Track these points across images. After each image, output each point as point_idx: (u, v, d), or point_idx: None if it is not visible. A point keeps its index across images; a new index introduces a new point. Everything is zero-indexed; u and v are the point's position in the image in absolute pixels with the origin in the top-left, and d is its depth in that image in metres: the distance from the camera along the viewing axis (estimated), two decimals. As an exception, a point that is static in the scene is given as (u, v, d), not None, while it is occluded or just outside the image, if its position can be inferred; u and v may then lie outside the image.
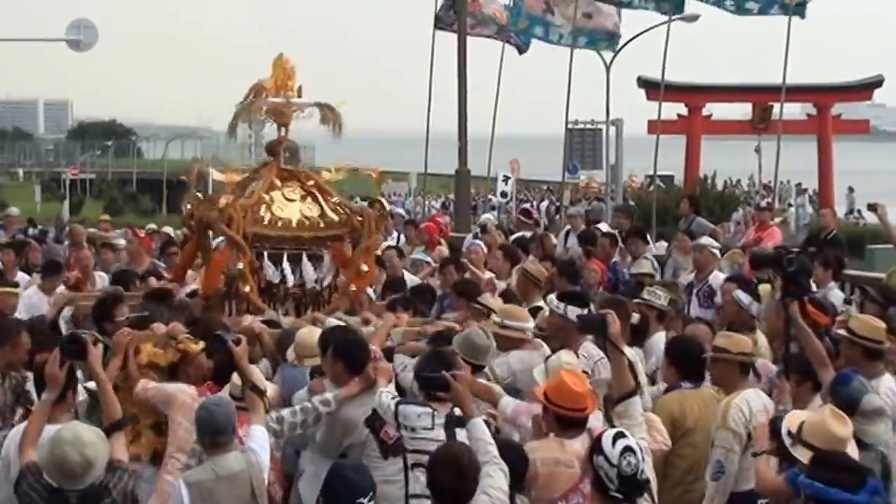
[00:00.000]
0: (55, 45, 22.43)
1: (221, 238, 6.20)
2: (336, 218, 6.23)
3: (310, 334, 5.01)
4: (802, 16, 14.80)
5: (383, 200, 6.64)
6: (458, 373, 4.10)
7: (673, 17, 15.57)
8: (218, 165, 6.76)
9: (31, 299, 7.59)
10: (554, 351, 5.05)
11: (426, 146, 18.54)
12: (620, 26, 17.59)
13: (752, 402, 4.53)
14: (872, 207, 8.71)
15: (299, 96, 6.31)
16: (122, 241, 10.00)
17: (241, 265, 5.85)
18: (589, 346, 5.07)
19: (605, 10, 17.15)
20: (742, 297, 6.09)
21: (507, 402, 4.51)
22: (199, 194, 6.32)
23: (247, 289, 5.90)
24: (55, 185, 44.09)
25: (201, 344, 4.82)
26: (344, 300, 6.20)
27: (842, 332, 5.00)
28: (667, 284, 7.25)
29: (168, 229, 11.55)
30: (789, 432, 3.64)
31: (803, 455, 3.52)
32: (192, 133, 68.87)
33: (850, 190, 28.73)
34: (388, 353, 5.04)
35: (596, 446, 3.46)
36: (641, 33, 18.54)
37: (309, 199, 6.24)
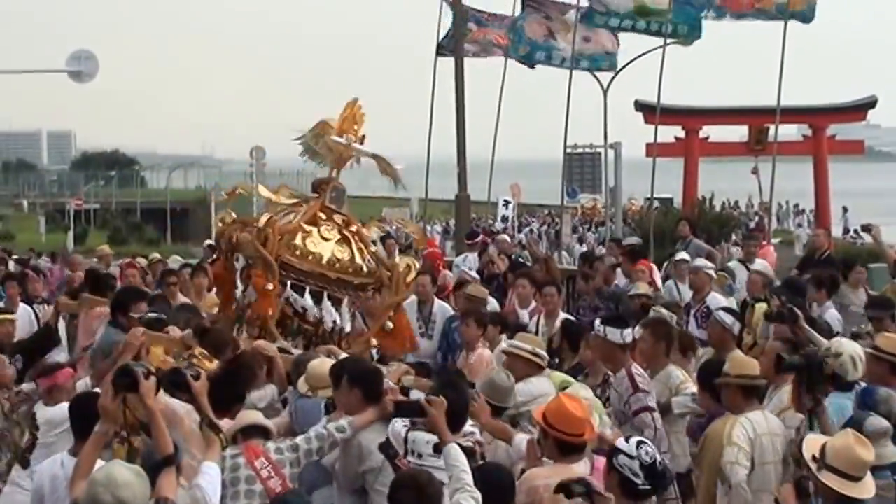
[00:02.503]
0: (58, 75, 22.70)
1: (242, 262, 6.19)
2: (365, 267, 6.16)
3: (322, 365, 4.92)
4: (808, 20, 14.66)
5: (416, 262, 6.52)
6: (435, 399, 4.13)
7: (668, 42, 15.77)
8: (267, 185, 6.72)
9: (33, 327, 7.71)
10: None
11: (427, 172, 18.71)
12: (617, 46, 17.84)
13: (756, 423, 4.56)
14: (867, 228, 8.81)
15: (361, 144, 6.27)
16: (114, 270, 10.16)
17: (270, 286, 5.79)
18: (639, 367, 5.13)
19: (604, 32, 17.41)
20: (725, 317, 6.19)
21: (521, 439, 4.50)
22: (233, 213, 6.30)
23: (269, 312, 5.84)
24: (59, 216, 44.23)
25: (215, 362, 4.79)
26: (359, 347, 6.07)
27: (868, 349, 5.07)
28: (670, 305, 7.34)
29: (176, 258, 11.63)
30: (813, 457, 3.65)
31: (830, 480, 3.54)
32: (195, 162, 69.23)
33: (844, 210, 28.90)
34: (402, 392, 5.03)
35: (612, 453, 3.56)
36: (637, 57, 18.75)
37: (343, 244, 6.17)
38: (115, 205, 49.72)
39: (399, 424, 4.27)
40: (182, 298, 8.29)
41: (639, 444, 3.53)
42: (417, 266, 6.50)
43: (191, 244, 27.92)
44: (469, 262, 11.04)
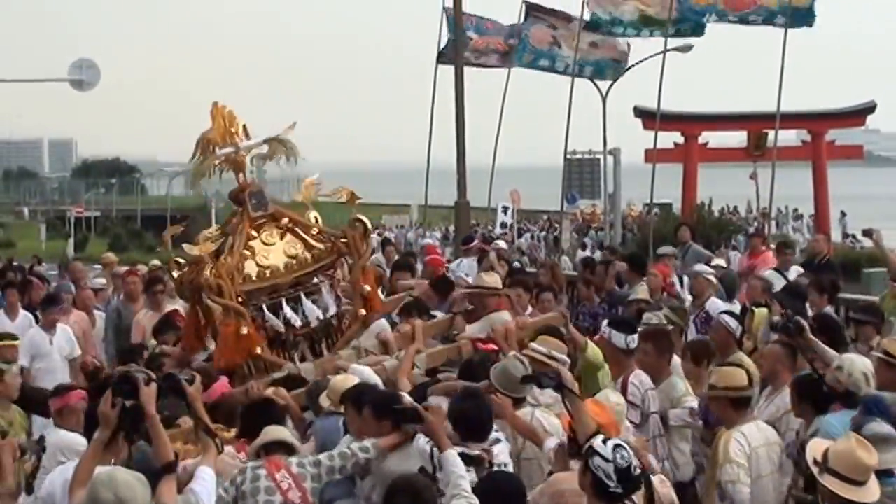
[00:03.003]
0: (59, 84, 22.75)
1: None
2: (321, 247, 6.08)
3: (344, 381, 4.88)
4: (810, 22, 14.66)
5: (363, 217, 6.30)
6: (432, 406, 4.10)
7: (669, 48, 15.86)
8: (220, 202, 6.77)
9: (33, 339, 7.67)
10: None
11: (426, 178, 18.77)
12: (628, 55, 17.88)
13: (750, 436, 4.52)
14: (868, 233, 8.72)
15: (247, 136, 6.11)
16: (101, 281, 10.12)
17: (244, 330, 5.67)
18: (641, 375, 5.03)
19: (611, 40, 17.47)
20: (729, 321, 6.21)
21: (553, 443, 4.38)
22: (179, 259, 6.10)
23: (258, 351, 5.73)
24: (60, 224, 44.36)
25: (233, 431, 4.75)
26: (356, 326, 6.04)
27: (878, 354, 5.04)
28: (675, 308, 7.29)
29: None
30: (815, 461, 3.62)
31: (831, 483, 3.51)
32: (169, 168, 69.25)
33: (843, 214, 28.92)
34: (421, 391, 4.94)
35: (588, 452, 3.54)
36: (636, 64, 18.84)
37: (289, 237, 6.06)
38: (115, 212, 49.91)
39: (423, 441, 4.19)
40: (169, 305, 8.22)
41: (615, 447, 3.52)
42: (367, 222, 6.29)
43: (191, 251, 27.89)
44: (464, 267, 11.04)
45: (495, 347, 5.80)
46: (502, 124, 18.77)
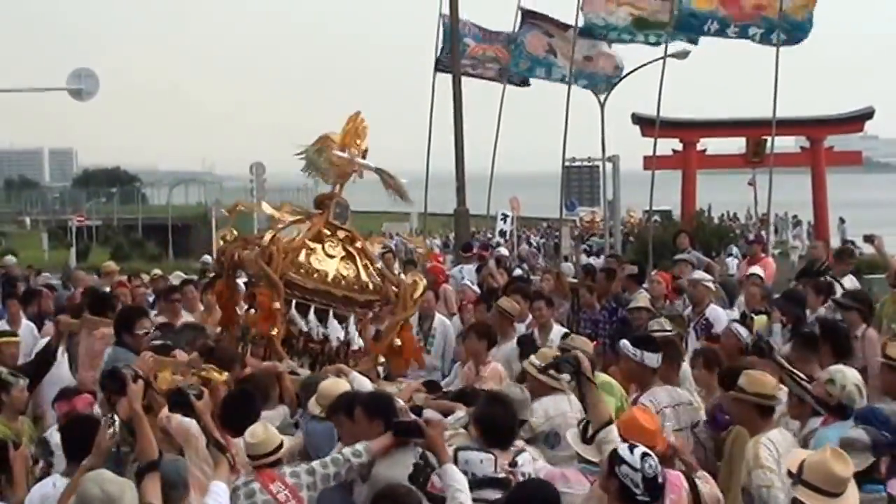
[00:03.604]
0: (59, 94, 22.81)
1: (244, 280, 6.07)
2: (371, 284, 6.06)
3: (335, 385, 4.84)
4: (805, 32, 14.53)
5: (423, 279, 6.40)
6: (432, 419, 4.16)
7: (667, 55, 15.88)
8: (270, 201, 6.63)
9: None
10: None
11: (426, 186, 18.81)
12: (622, 70, 17.94)
13: (777, 443, 4.49)
14: (869, 239, 8.73)
15: (364, 158, 6.16)
16: (105, 290, 10.20)
17: (277, 304, 5.68)
18: (657, 392, 5.03)
19: (606, 53, 17.51)
20: (740, 329, 6.25)
21: (541, 467, 4.35)
22: (234, 231, 6.19)
23: (274, 331, 5.72)
24: (62, 233, 44.44)
25: (225, 374, 4.77)
26: (367, 365, 5.97)
27: (880, 359, 5.04)
28: (673, 317, 7.35)
29: (179, 274, 11.66)
30: (789, 472, 3.62)
31: (803, 495, 3.49)
32: (195, 178, 69.56)
33: (841, 221, 28.97)
34: (415, 412, 4.95)
35: (615, 459, 3.57)
36: (634, 70, 18.90)
37: (348, 260, 6.06)
38: (116, 221, 50.03)
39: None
40: (186, 316, 8.24)
41: (643, 456, 3.56)
42: (424, 282, 6.38)
43: (192, 260, 28.01)
44: (465, 274, 11.10)
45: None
46: (501, 132, 18.83)
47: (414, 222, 27.73)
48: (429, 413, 4.89)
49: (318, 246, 5.98)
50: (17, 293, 9.58)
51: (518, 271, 13.12)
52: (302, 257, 5.89)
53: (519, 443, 4.28)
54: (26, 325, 8.30)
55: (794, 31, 14.50)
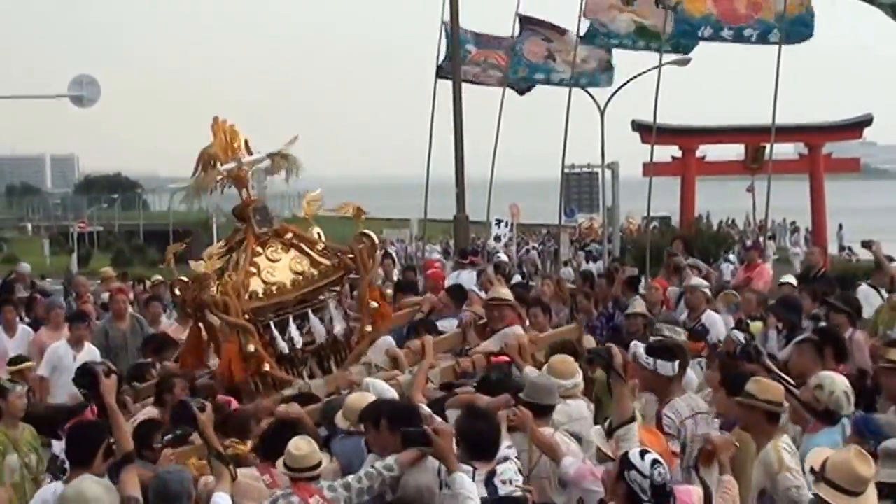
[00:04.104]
0: (60, 100, 22.92)
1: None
2: (328, 263, 5.98)
3: (360, 398, 4.84)
4: (807, 34, 14.42)
5: (369, 232, 6.19)
6: (440, 427, 4.11)
7: (665, 62, 15.95)
8: (221, 217, 6.65)
9: (56, 350, 7.71)
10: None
11: (426, 192, 18.88)
12: (612, 64, 18.04)
13: (791, 449, 4.49)
14: (867, 245, 8.77)
15: (249, 151, 6.04)
16: (107, 295, 10.14)
17: (251, 347, 5.59)
18: (678, 404, 4.97)
19: (601, 53, 17.63)
20: (740, 336, 6.13)
21: (570, 463, 4.33)
22: (183, 277, 5.96)
23: (266, 367, 5.65)
24: (63, 239, 44.58)
25: (249, 444, 4.74)
26: (365, 342, 5.98)
27: (883, 364, 5.07)
28: (670, 321, 7.22)
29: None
30: (812, 469, 3.64)
31: (825, 493, 3.52)
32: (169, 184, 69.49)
33: (840, 227, 29.05)
34: (438, 406, 4.91)
35: (625, 464, 3.58)
36: (633, 78, 19.01)
37: (294, 252, 5.97)
38: (118, 227, 50.18)
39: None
40: (165, 322, 8.31)
41: (653, 462, 3.55)
42: (372, 236, 6.20)
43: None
44: (464, 280, 11.11)
45: (508, 360, 5.78)
46: (501, 138, 18.92)
47: (414, 228, 27.80)
48: (451, 413, 4.77)
49: (261, 259, 5.88)
50: (13, 299, 9.59)
51: (517, 277, 13.19)
52: (253, 284, 5.78)
53: (504, 452, 4.24)
54: (23, 330, 8.32)
55: (795, 26, 14.45)
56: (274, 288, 5.82)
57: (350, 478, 4.23)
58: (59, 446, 4.96)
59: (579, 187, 20.32)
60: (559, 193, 18.29)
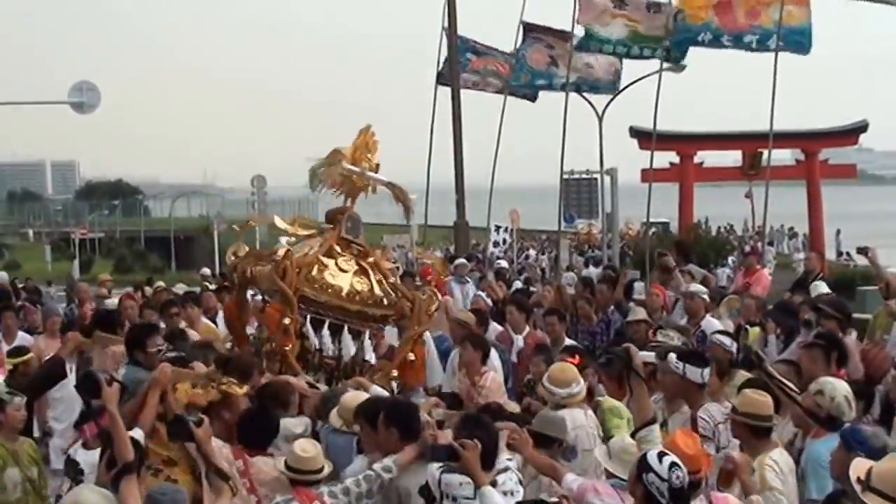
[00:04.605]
0: (60, 106, 23.01)
1: (256, 295, 6.00)
2: (385, 299, 6.00)
3: (356, 398, 4.82)
4: (806, 46, 14.56)
5: (437, 293, 6.31)
6: (468, 441, 4.03)
7: (663, 68, 16.04)
8: (277, 215, 6.49)
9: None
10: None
11: (426, 198, 18.97)
12: (621, 72, 18.11)
13: (780, 464, 4.47)
14: (863, 251, 8.63)
15: (376, 171, 6.10)
16: (112, 301, 10.06)
17: (287, 320, 5.64)
18: (711, 408, 4.91)
19: (606, 60, 17.71)
20: (723, 339, 6.23)
21: (572, 479, 4.28)
22: (245, 247, 6.12)
23: (288, 346, 5.68)
24: (65, 245, 44.63)
25: (245, 387, 4.71)
26: (381, 381, 5.87)
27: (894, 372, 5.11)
28: (680, 328, 7.30)
29: (181, 286, 11.81)
30: (858, 479, 3.59)
31: (873, 501, 3.47)
32: (197, 191, 69.79)
33: (838, 232, 29.15)
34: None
35: (643, 466, 3.57)
36: (631, 84, 19.11)
37: (361, 275, 6.01)
38: (119, 233, 50.20)
39: (434, 466, 4.14)
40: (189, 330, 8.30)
41: (671, 466, 3.54)
42: (439, 297, 6.30)
43: (195, 272, 28.21)
44: (456, 296, 11.04)
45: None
46: (501, 144, 19.02)
47: (414, 234, 27.87)
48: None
49: (331, 261, 5.94)
50: (13, 306, 9.54)
51: (518, 283, 13.27)
52: (315, 272, 5.85)
53: (504, 462, 4.22)
54: (21, 338, 8.20)
55: (793, 35, 14.55)
56: (330, 288, 5.85)
57: (349, 481, 4.21)
58: (79, 452, 4.95)
59: (578, 193, 20.41)
60: (558, 199, 18.39)
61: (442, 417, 5.02)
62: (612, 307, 9.01)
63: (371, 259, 6.12)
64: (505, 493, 4.06)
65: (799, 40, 14.63)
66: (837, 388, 4.72)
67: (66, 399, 6.75)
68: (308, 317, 5.82)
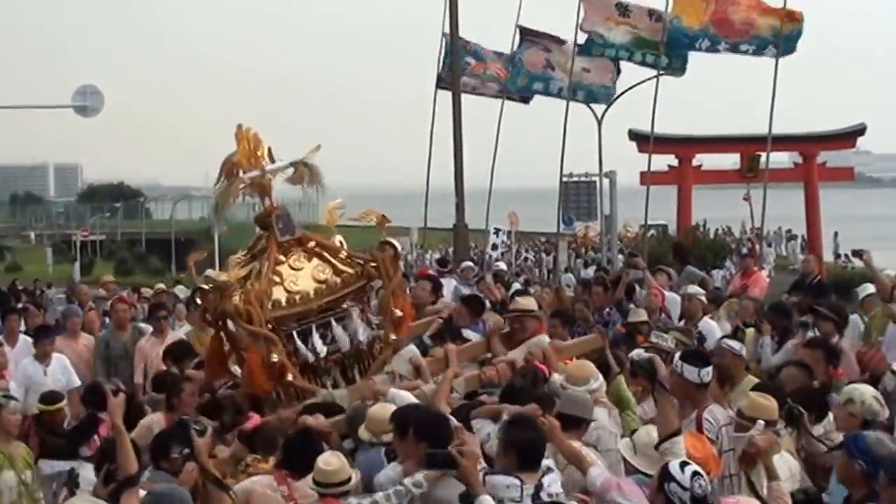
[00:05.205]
0: (64, 110, 23.11)
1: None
2: (351, 271, 5.90)
3: (382, 410, 4.78)
4: (792, 50, 14.79)
5: (393, 240, 6.12)
6: (466, 449, 3.98)
7: (661, 72, 16.14)
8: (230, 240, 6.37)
9: (25, 369, 7.46)
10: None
11: (426, 201, 19.05)
12: (616, 80, 18.21)
13: (782, 466, 4.46)
14: (858, 253, 8.59)
15: (272, 159, 5.94)
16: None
17: (275, 357, 5.49)
18: (716, 410, 4.88)
19: (603, 63, 17.81)
20: (732, 344, 6.22)
21: (598, 474, 4.15)
22: (204, 285, 5.80)
23: (290, 377, 5.58)
24: (66, 247, 44.74)
25: (272, 461, 4.65)
26: (388, 351, 5.88)
27: None
28: (682, 330, 7.30)
29: (181, 288, 11.80)
30: None
31: None
32: (198, 193, 69.81)
33: (835, 235, 29.20)
34: (463, 413, 4.85)
35: (665, 476, 3.54)
36: (631, 88, 19.20)
37: (317, 261, 5.89)
38: (120, 236, 50.28)
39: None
40: (171, 333, 8.10)
41: (693, 475, 3.52)
42: (397, 245, 6.14)
43: (195, 274, 28.25)
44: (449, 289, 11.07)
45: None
46: (500, 147, 19.12)
47: (414, 237, 27.94)
48: (476, 423, 4.70)
49: (284, 267, 5.79)
50: (16, 309, 9.54)
51: (516, 285, 13.34)
52: (277, 293, 5.69)
53: (546, 463, 4.13)
54: (24, 341, 8.16)
55: (786, 42, 14.69)
56: (297, 297, 5.72)
57: (378, 495, 4.16)
58: (83, 465, 4.95)
59: (577, 196, 20.51)
60: (557, 202, 18.47)
61: (463, 389, 4.94)
62: (613, 307, 9.08)
63: (312, 244, 5.95)
64: (549, 496, 4.00)
65: (790, 44, 14.80)
66: (864, 391, 4.74)
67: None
68: (294, 332, 5.71)
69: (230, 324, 5.76)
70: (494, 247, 20.65)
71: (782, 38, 14.42)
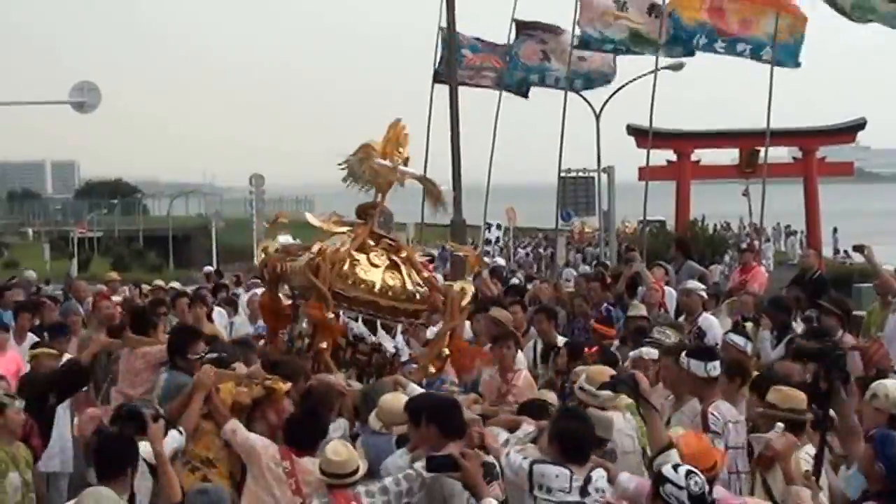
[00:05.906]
0: (61, 106, 23.07)
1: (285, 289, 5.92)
2: (417, 294, 5.92)
3: (395, 400, 4.73)
4: (794, 60, 14.66)
5: (469, 285, 6.19)
6: (469, 451, 3.96)
7: (660, 67, 16.10)
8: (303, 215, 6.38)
9: None
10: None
11: (423, 197, 18.95)
12: (615, 66, 18.15)
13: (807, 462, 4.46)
14: (859, 249, 8.67)
15: (406, 165, 6.02)
16: (117, 298, 10.11)
17: (331, 315, 5.59)
18: (722, 406, 4.86)
19: (601, 53, 17.76)
20: (737, 339, 6.23)
21: (629, 479, 4.15)
22: (276, 244, 6.05)
23: (323, 345, 5.64)
24: (63, 244, 44.61)
25: (288, 384, 4.67)
26: (416, 376, 5.79)
27: None
28: (674, 325, 7.34)
29: (175, 284, 11.70)
30: None
31: None
32: (196, 190, 69.92)
33: (835, 230, 29.21)
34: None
35: (659, 480, 3.53)
36: (629, 82, 19.19)
37: (393, 270, 5.93)
38: (118, 232, 50.21)
39: (517, 456, 4.08)
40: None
41: (688, 473, 3.50)
42: (472, 289, 6.19)
43: (193, 270, 28.26)
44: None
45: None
46: (497, 142, 19.08)
47: (410, 232, 27.92)
48: (495, 430, 4.66)
49: (363, 256, 5.87)
50: (28, 306, 9.39)
51: (514, 280, 13.29)
52: (347, 268, 5.78)
53: (595, 459, 4.15)
54: (31, 339, 8.11)
55: (785, 54, 14.65)
56: (361, 284, 5.78)
57: (387, 480, 4.15)
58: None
59: (575, 191, 20.51)
60: (556, 197, 18.43)
61: (484, 412, 4.93)
62: (613, 301, 9.02)
63: (403, 254, 6.04)
64: (597, 490, 4.00)
65: (790, 56, 14.74)
66: (889, 385, 4.73)
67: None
68: (341, 313, 5.76)
69: (281, 287, 5.90)
70: (488, 242, 20.61)
71: (778, 44, 14.37)
